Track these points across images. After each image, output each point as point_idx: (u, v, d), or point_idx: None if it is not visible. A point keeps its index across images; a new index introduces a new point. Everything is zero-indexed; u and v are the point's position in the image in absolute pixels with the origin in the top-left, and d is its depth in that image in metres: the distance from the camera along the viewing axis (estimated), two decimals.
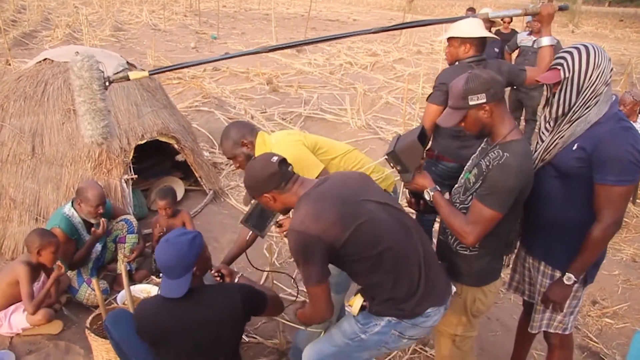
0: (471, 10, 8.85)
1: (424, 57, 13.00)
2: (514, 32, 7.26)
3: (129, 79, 2.48)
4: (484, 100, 1.98)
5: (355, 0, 30.77)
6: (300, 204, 2.04)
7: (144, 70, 2.65)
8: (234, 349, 2.42)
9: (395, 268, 1.99)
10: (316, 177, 2.48)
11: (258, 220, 2.63)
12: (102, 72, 2.37)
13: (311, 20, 15.91)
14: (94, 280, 2.77)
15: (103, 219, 3.37)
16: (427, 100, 3.21)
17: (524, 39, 6.50)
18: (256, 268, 2.72)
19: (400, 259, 1.99)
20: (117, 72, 2.50)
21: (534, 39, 6.23)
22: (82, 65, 2.31)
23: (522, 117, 6.73)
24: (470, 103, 1.99)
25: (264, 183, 2.10)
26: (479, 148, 2.22)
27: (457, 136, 3.06)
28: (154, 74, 2.60)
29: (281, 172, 2.09)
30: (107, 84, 2.37)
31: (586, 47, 2.06)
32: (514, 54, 6.87)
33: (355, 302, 2.10)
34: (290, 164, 2.16)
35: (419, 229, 2.16)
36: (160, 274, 2.42)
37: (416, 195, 2.26)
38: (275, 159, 2.10)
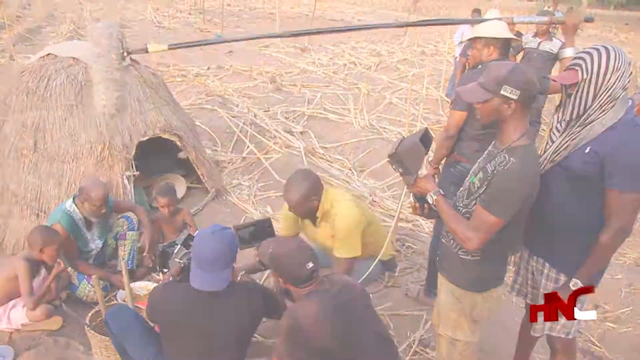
0: (476, 12, 8.82)
1: (428, 58, 12.96)
2: (518, 34, 7.22)
3: (147, 51, 2.42)
4: (515, 97, 1.92)
5: (360, 1, 30.69)
6: (313, 299, 2.12)
7: (163, 46, 2.58)
8: (244, 349, 2.40)
9: None
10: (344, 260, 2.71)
11: (245, 235, 2.66)
12: (122, 42, 2.29)
13: (316, 20, 15.87)
14: (93, 277, 2.77)
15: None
16: (450, 107, 3.13)
17: (528, 41, 6.47)
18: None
19: None
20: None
21: (539, 40, 6.21)
22: (101, 32, 2.24)
23: None
24: (502, 92, 1.93)
25: (284, 274, 2.19)
26: (486, 151, 2.18)
27: (477, 139, 3.00)
28: (174, 48, 2.55)
29: (304, 278, 2.15)
30: (125, 54, 2.31)
31: (607, 49, 2.00)
32: (519, 56, 6.83)
33: None
34: (317, 272, 2.20)
35: None
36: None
37: (420, 200, 2.23)
38: (310, 265, 2.14)
